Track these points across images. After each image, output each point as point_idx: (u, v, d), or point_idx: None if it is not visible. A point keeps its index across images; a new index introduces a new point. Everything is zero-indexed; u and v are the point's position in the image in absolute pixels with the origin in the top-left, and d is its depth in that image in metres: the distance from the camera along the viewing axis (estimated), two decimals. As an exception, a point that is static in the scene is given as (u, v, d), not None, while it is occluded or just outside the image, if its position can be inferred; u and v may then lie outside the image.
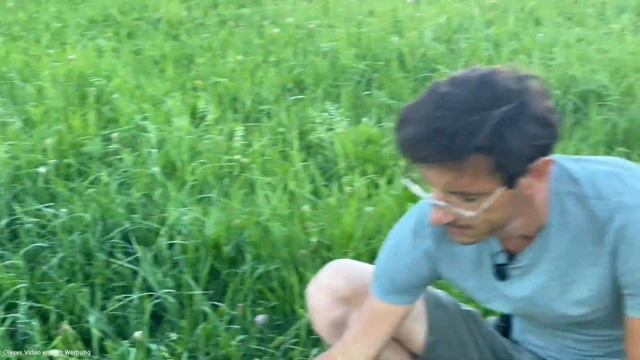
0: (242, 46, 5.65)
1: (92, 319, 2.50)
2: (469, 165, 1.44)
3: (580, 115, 4.29)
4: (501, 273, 1.74)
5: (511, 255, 1.71)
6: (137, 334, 2.42)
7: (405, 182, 1.62)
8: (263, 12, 6.65)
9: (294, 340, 2.48)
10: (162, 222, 3.11)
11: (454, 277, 1.82)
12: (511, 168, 1.46)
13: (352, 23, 6.10)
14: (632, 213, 1.55)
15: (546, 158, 1.49)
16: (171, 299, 2.62)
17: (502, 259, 1.72)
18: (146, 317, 2.53)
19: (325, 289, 2.02)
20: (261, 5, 6.93)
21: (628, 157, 3.70)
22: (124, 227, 3.10)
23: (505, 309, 1.88)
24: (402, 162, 3.41)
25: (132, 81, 4.81)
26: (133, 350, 2.35)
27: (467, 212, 1.51)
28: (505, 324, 2.14)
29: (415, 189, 1.59)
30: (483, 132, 1.41)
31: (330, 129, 4.06)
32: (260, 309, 2.64)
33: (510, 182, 1.48)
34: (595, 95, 4.43)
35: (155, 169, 3.46)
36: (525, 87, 1.46)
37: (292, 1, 6.95)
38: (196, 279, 2.76)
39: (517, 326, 2.08)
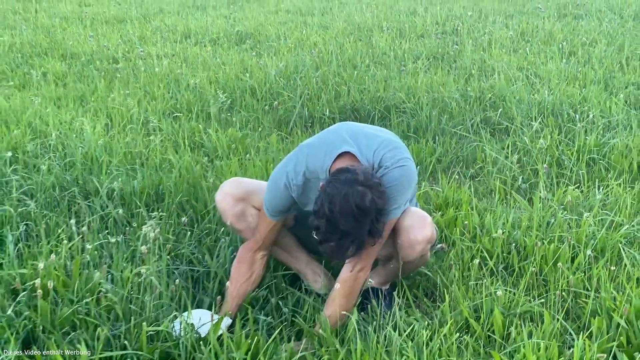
0: (123, 88, 7.06)
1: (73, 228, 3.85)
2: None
3: (385, 120, 6.01)
4: None
5: None
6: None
7: None
8: (134, 66, 8.08)
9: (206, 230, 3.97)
10: (101, 185, 4.49)
11: (302, 202, 3.36)
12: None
13: (210, 70, 7.65)
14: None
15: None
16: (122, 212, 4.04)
17: None
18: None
19: (228, 195, 3.55)
20: (131, 61, 8.36)
21: (416, 141, 5.47)
22: (72, 189, 4.45)
23: None
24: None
25: (44, 111, 6.13)
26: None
27: None
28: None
29: None
30: (366, 237, 3.04)
31: (206, 132, 5.57)
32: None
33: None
34: (395, 107, 6.18)
35: (100, 142, 4.85)
36: (373, 200, 3.01)
37: (157, 56, 8.42)
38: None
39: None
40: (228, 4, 13.21)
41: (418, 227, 3.34)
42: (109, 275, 3.40)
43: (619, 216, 4.19)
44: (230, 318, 3.28)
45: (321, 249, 3.10)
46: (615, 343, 3.04)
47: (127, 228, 3.97)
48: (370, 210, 3.01)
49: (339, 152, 3.25)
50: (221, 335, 2.99)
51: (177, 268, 3.62)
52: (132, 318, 3.01)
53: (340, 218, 2.97)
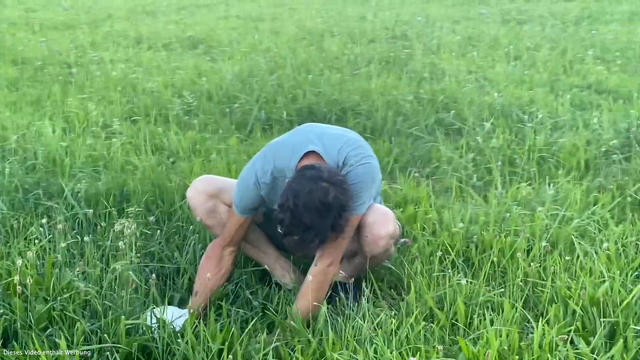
0: (79, 92, 7.07)
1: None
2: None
3: (341, 121, 6.15)
4: None
5: None
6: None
7: None
8: (88, 71, 8.09)
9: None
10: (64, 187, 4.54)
11: (270, 200, 3.46)
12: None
13: (165, 74, 7.71)
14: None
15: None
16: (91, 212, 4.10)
17: None
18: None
19: (199, 192, 3.65)
20: (84, 67, 8.36)
21: (374, 142, 5.61)
22: (36, 191, 4.50)
23: None
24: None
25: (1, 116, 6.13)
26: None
27: None
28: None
29: None
30: (328, 232, 3.18)
31: (166, 135, 5.64)
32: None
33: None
34: (351, 109, 6.33)
35: (63, 144, 4.89)
36: (337, 196, 3.16)
37: (110, 60, 8.45)
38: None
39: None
40: (178, 10, 13.24)
41: (381, 223, 3.48)
42: (82, 273, 3.46)
43: (570, 211, 4.38)
44: (199, 312, 3.36)
45: (285, 242, 3.24)
46: (572, 328, 3.21)
47: (97, 227, 4.03)
48: (334, 206, 3.14)
49: (304, 151, 3.37)
50: (196, 327, 3.07)
51: (147, 265, 3.70)
52: (110, 313, 3.08)
53: (304, 212, 3.11)
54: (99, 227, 4.04)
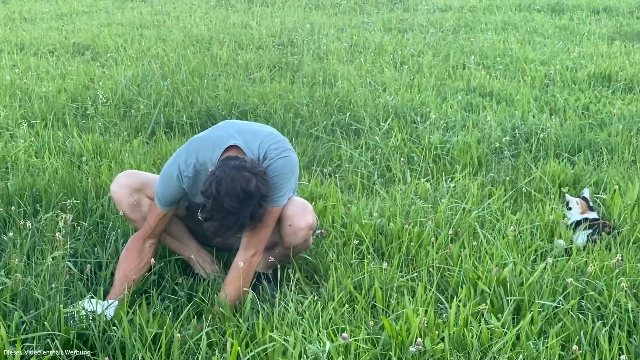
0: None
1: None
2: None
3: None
4: None
5: None
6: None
7: None
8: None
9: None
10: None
11: (192, 193, 3.57)
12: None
13: (57, 80, 7.63)
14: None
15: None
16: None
17: None
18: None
19: (124, 185, 3.73)
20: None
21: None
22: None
23: None
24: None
25: None
26: None
27: None
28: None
29: None
30: (248, 219, 3.33)
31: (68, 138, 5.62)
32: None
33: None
34: (251, 112, 6.47)
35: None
36: (258, 186, 3.32)
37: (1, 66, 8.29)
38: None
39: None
40: (57, 17, 13.00)
41: (300, 214, 3.64)
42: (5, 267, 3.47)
43: (468, 204, 4.65)
44: (118, 302, 3.42)
45: (205, 226, 3.38)
46: (486, 307, 3.45)
47: (12, 227, 4.01)
48: (255, 194, 3.30)
49: (226, 145, 3.50)
50: (128, 314, 3.15)
51: (69, 260, 3.73)
52: (47, 303, 3.11)
53: (226, 198, 3.26)
54: (14, 226, 4.02)
